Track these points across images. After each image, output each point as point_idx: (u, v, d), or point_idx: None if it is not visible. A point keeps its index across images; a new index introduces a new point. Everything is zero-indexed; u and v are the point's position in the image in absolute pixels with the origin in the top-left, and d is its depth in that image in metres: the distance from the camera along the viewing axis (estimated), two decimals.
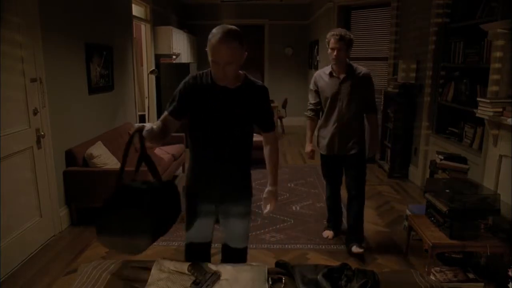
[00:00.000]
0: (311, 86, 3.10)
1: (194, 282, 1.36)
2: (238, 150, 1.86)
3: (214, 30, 1.65)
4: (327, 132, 3.03)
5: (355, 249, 2.99)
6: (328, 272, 1.44)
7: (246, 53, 1.72)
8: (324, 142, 3.07)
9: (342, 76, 2.92)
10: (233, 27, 1.68)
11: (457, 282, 2.58)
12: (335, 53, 2.83)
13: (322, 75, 3.02)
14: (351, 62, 2.98)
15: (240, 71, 1.79)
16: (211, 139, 1.81)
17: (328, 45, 2.88)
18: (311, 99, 3.11)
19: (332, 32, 2.86)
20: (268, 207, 1.92)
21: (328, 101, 2.97)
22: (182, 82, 1.83)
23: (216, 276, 1.40)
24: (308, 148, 3.17)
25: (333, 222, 3.42)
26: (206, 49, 1.68)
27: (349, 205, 3.13)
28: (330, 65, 2.99)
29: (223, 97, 1.76)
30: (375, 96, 3.13)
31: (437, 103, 4.40)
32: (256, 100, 1.83)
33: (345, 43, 2.82)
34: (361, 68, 2.97)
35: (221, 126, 1.78)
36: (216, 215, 1.96)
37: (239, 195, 1.93)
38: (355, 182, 3.06)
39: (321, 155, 3.17)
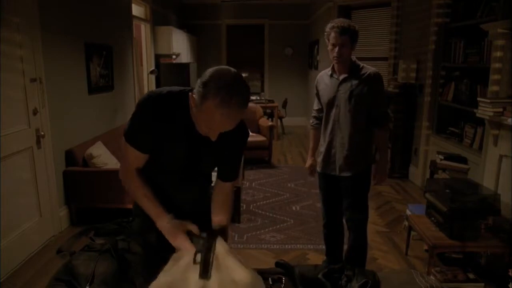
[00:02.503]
0: (315, 90, 2.57)
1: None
2: (200, 195, 1.61)
3: (227, 84, 1.19)
4: (323, 145, 2.51)
5: None
6: (328, 272, 1.44)
7: None
8: (320, 157, 2.54)
9: (342, 76, 2.36)
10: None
11: (457, 282, 2.58)
12: (337, 49, 2.25)
13: (324, 76, 2.49)
14: (358, 61, 2.41)
15: None
16: (168, 183, 1.50)
17: (328, 40, 2.29)
18: (315, 105, 2.60)
19: (333, 24, 2.27)
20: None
21: (325, 107, 2.44)
22: (150, 110, 1.35)
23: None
24: (308, 162, 2.68)
25: (331, 256, 2.78)
26: (194, 95, 1.23)
27: (349, 236, 2.60)
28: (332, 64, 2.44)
29: (199, 142, 1.38)
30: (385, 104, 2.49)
31: (437, 103, 4.39)
32: (233, 146, 1.48)
33: (349, 37, 2.24)
34: (368, 68, 2.38)
35: (186, 172, 1.49)
36: None
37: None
38: (352, 212, 2.50)
39: (318, 173, 2.62)
